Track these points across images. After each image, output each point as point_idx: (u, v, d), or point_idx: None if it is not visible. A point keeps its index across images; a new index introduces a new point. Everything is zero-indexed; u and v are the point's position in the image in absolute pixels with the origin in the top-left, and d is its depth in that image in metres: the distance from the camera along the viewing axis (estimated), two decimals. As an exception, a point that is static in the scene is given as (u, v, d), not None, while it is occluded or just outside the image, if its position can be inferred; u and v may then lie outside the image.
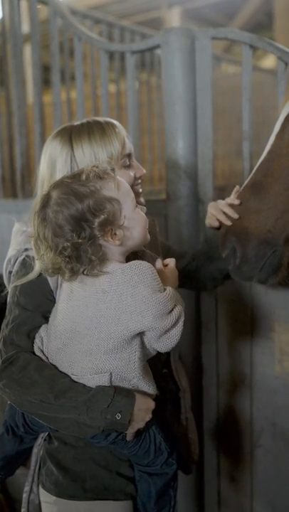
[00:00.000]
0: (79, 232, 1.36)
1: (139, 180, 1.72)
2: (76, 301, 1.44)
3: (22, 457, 1.71)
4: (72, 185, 1.40)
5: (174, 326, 1.42)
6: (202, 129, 2.23)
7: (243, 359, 2.27)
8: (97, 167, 1.44)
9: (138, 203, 1.72)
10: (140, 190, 1.74)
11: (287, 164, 1.68)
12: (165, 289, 1.42)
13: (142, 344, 1.46)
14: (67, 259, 1.38)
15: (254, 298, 2.20)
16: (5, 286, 1.69)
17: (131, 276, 1.38)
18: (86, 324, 1.42)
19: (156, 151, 4.58)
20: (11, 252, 1.65)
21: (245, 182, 1.76)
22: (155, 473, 1.56)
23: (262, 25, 9.85)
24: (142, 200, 1.74)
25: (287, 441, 2.19)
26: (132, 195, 1.48)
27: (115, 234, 1.40)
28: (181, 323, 1.43)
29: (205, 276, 1.99)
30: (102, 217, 1.37)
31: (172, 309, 1.41)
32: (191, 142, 2.25)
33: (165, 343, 1.44)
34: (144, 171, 1.73)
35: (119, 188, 1.43)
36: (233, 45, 7.91)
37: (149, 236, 1.53)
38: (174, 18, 9.44)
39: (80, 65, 2.69)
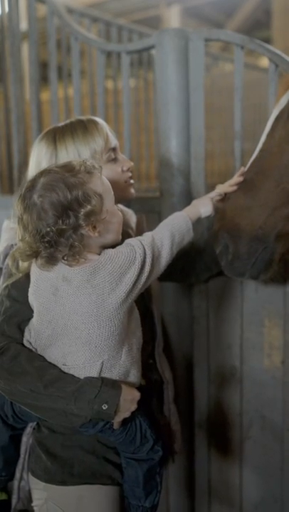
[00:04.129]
0: (64, 219, 1.39)
1: (129, 173, 1.77)
2: (65, 299, 1.46)
3: (18, 454, 1.75)
4: (63, 174, 1.44)
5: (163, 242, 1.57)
6: (195, 128, 2.28)
7: (234, 353, 2.32)
8: (85, 162, 1.49)
9: (129, 193, 1.79)
10: (132, 181, 1.79)
11: (278, 162, 1.73)
12: (132, 246, 1.52)
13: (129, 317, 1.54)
14: (47, 244, 1.40)
15: (244, 294, 2.25)
16: None
17: (113, 267, 1.46)
18: (83, 319, 1.45)
19: (154, 149, 4.60)
20: (0, 248, 1.71)
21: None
22: (141, 459, 1.61)
23: (261, 23, 9.86)
24: (132, 191, 1.80)
25: (276, 433, 2.25)
26: (112, 192, 1.54)
27: (95, 227, 1.45)
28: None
29: (200, 266, 2.03)
30: (89, 208, 1.41)
31: (151, 240, 1.55)
32: (184, 141, 2.29)
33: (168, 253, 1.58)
34: (132, 163, 1.78)
35: (103, 184, 1.49)
36: (231, 44, 7.87)
37: (120, 236, 1.59)
38: (172, 16, 9.45)
39: (77, 64, 2.73)
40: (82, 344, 1.47)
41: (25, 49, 3.49)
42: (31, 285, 1.54)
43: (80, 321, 1.46)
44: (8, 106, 3.36)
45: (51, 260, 1.45)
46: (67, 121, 1.75)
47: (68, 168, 1.47)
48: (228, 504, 2.44)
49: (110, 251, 1.50)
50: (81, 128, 1.69)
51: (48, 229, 1.39)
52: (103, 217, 1.47)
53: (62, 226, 1.39)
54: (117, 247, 1.52)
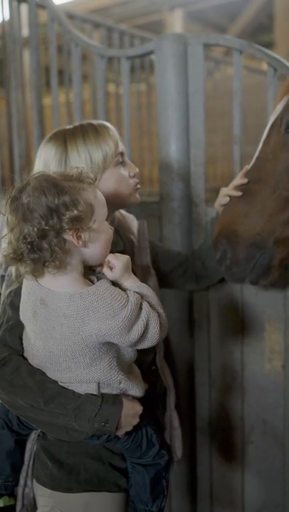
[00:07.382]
0: (48, 219, 1.35)
1: (136, 179, 1.77)
2: (42, 323, 1.43)
3: (23, 460, 1.73)
4: (55, 178, 1.41)
5: (146, 328, 1.41)
6: (194, 133, 2.28)
7: (235, 358, 2.32)
8: (82, 172, 1.47)
9: (135, 198, 1.78)
10: (138, 186, 1.78)
11: (273, 169, 1.75)
12: (128, 301, 1.40)
13: (120, 350, 1.47)
14: (29, 246, 1.36)
15: (245, 298, 2.24)
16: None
17: (90, 301, 1.38)
18: (57, 345, 1.42)
19: (156, 153, 4.59)
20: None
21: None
22: (148, 464, 1.60)
23: (263, 27, 9.88)
24: (137, 196, 1.79)
25: (277, 437, 2.24)
26: (106, 209, 1.49)
27: (80, 236, 1.40)
28: (153, 323, 1.42)
29: (200, 273, 2.03)
30: (75, 212, 1.37)
31: (138, 318, 1.41)
32: (183, 145, 2.29)
33: (145, 344, 1.45)
34: (137, 169, 1.78)
35: (96, 196, 1.46)
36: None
37: (108, 254, 1.50)
38: (175, 20, 9.46)
39: (78, 70, 2.74)
40: (64, 370, 1.45)
41: (26, 55, 3.51)
42: (20, 303, 1.52)
43: (55, 345, 1.42)
44: (10, 111, 3.38)
45: (35, 267, 1.40)
46: (77, 124, 1.73)
47: (63, 174, 1.45)
48: (230, 508, 2.44)
49: (102, 286, 1.41)
50: (92, 131, 1.67)
51: (31, 228, 1.35)
52: (90, 226, 1.42)
53: (44, 227, 1.35)
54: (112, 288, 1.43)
